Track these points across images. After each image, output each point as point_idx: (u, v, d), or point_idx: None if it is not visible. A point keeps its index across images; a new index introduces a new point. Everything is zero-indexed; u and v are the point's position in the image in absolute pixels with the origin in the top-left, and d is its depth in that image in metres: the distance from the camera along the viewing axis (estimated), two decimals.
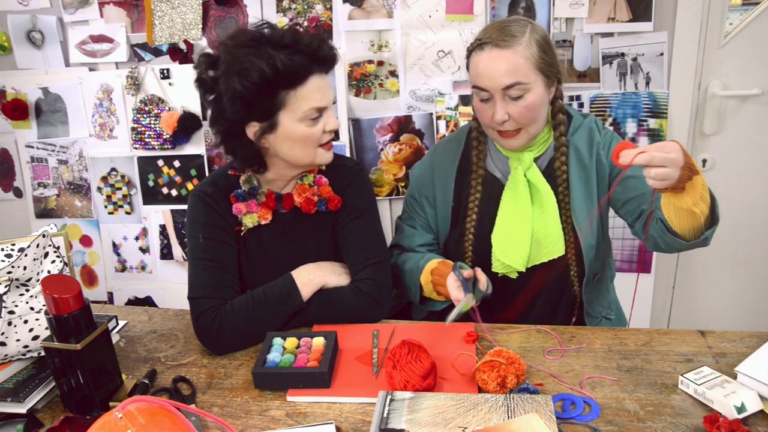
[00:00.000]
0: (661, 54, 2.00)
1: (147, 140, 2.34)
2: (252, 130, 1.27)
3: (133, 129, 2.35)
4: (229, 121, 1.25)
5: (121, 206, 2.46)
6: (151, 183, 2.40)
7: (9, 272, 1.09)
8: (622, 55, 2.03)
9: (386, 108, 2.19)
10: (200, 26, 2.20)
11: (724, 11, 1.97)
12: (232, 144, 1.30)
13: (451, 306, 1.25)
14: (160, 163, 2.36)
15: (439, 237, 1.50)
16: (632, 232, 1.35)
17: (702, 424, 0.95)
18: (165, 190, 2.39)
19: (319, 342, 1.19)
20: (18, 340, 1.11)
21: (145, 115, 2.32)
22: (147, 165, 2.38)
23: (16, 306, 1.11)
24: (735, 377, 1.02)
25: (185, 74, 2.24)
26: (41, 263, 1.17)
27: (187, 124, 2.26)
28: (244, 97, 1.21)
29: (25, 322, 1.11)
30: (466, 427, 0.93)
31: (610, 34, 2.02)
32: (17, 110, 2.39)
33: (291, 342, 1.20)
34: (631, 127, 2.09)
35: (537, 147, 1.39)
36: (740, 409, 0.95)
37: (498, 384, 1.03)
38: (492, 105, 1.28)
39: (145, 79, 2.29)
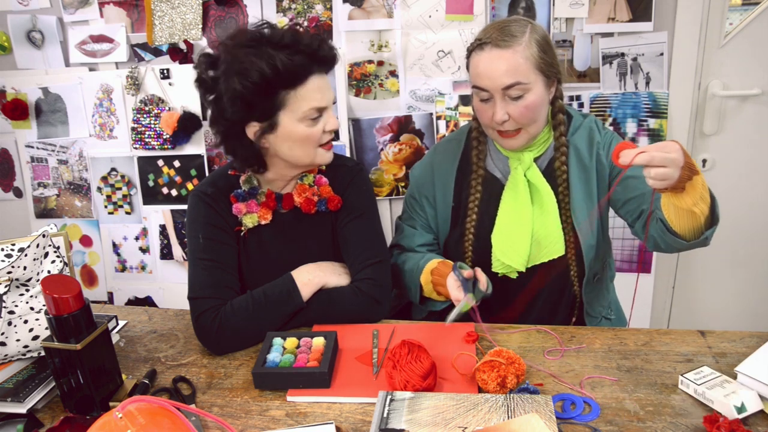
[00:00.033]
0: (661, 54, 2.00)
1: (147, 140, 2.34)
2: (252, 130, 1.27)
3: (133, 129, 2.35)
4: (229, 121, 1.25)
5: (121, 206, 2.46)
6: (151, 183, 2.40)
7: (9, 272, 1.09)
8: (622, 55, 2.03)
9: (386, 108, 2.19)
10: (200, 26, 2.20)
11: (724, 11, 1.97)
12: (232, 144, 1.30)
13: (451, 306, 1.25)
14: (160, 163, 2.36)
15: (439, 237, 1.50)
16: (632, 232, 1.35)
17: (702, 424, 0.95)
18: (165, 190, 2.39)
19: (319, 342, 1.19)
20: (18, 340, 1.11)
21: (145, 115, 2.32)
22: (147, 165, 2.38)
23: (16, 306, 1.11)
24: (735, 377, 1.02)
25: (185, 74, 2.24)
26: (41, 263, 1.17)
27: (187, 124, 2.26)
28: (244, 97, 1.21)
29: (25, 322, 1.11)
30: (466, 427, 0.93)
31: (610, 34, 2.02)
32: (17, 110, 2.39)
33: (291, 342, 1.20)
34: (631, 127, 2.09)
35: (537, 147, 1.39)
36: (740, 409, 0.95)
37: (498, 384, 1.03)
38: (492, 105, 1.28)
39: (145, 79, 2.29)
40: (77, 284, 1.03)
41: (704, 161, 2.15)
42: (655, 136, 2.07)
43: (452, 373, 1.11)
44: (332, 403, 1.07)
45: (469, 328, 1.26)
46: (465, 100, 2.13)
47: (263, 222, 1.37)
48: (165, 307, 1.71)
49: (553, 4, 2.01)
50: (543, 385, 1.08)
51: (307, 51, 1.22)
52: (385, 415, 0.98)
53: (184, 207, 2.32)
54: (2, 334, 1.09)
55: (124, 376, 1.15)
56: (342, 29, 2.12)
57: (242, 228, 1.37)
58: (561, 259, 1.39)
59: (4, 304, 1.10)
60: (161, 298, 2.53)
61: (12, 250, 1.20)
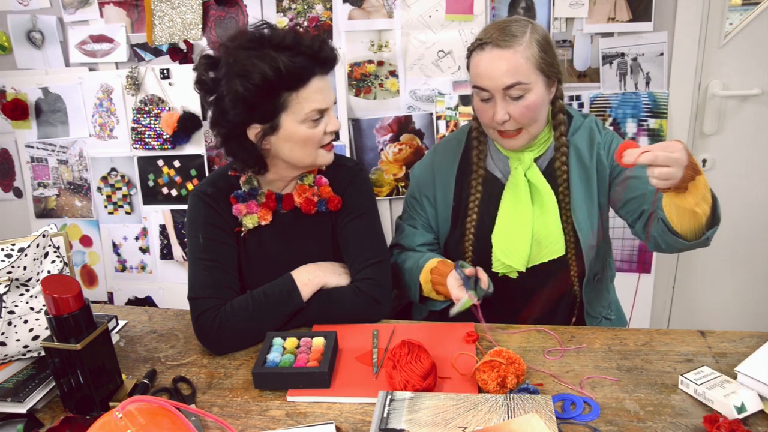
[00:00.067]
0: (661, 54, 2.00)
1: (147, 140, 2.34)
2: (253, 131, 1.27)
3: (133, 129, 2.35)
4: (231, 123, 1.25)
5: (121, 206, 2.46)
6: (151, 183, 2.40)
7: (9, 272, 1.09)
8: (622, 55, 2.03)
9: (386, 108, 2.19)
10: (200, 26, 2.20)
11: (724, 11, 1.97)
12: (232, 146, 1.30)
13: (452, 305, 1.25)
14: (160, 163, 2.36)
15: (439, 236, 1.50)
16: (632, 232, 1.35)
17: (702, 424, 0.95)
18: (165, 190, 2.39)
19: (319, 342, 1.19)
20: (18, 340, 1.11)
21: (145, 115, 2.32)
22: (147, 165, 2.38)
23: (16, 306, 1.11)
24: (735, 377, 1.02)
25: (185, 74, 2.24)
26: (41, 263, 1.17)
27: (187, 124, 2.26)
28: (246, 100, 1.20)
29: (25, 322, 1.11)
30: (466, 427, 0.93)
31: (610, 34, 2.02)
32: (17, 110, 2.39)
33: (291, 342, 1.20)
34: (631, 127, 2.09)
35: (537, 147, 1.39)
36: (740, 409, 0.95)
37: (498, 384, 1.03)
38: (492, 105, 1.28)
39: (145, 79, 2.29)
40: (77, 284, 1.03)
41: (704, 161, 2.15)
42: (655, 136, 2.07)
43: (452, 373, 1.11)
44: (332, 403, 1.07)
45: (469, 328, 1.26)
46: (465, 100, 2.13)
47: (263, 223, 1.37)
48: (165, 307, 1.71)
49: (553, 4, 2.01)
50: (543, 385, 1.08)
51: (308, 52, 1.22)
52: (385, 415, 0.98)
53: (184, 207, 2.32)
54: (2, 334, 1.09)
55: (124, 376, 1.15)
56: (342, 29, 2.12)
57: (242, 229, 1.37)
58: (561, 259, 1.39)
59: (4, 304, 1.10)
60: (161, 298, 2.53)
61: (12, 250, 1.20)
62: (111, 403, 1.07)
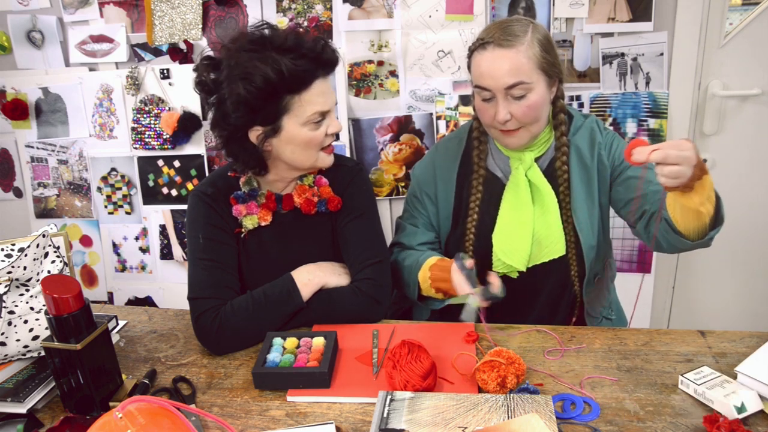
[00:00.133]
0: (661, 54, 2.00)
1: (147, 140, 2.34)
2: (255, 134, 1.26)
3: (133, 129, 2.35)
4: (232, 125, 1.25)
5: (121, 206, 2.46)
6: (151, 183, 2.40)
7: (9, 272, 1.09)
8: (622, 55, 2.03)
9: (386, 108, 2.19)
10: (200, 26, 2.20)
11: (724, 11, 1.97)
12: (234, 147, 1.30)
13: (452, 305, 1.25)
14: (160, 163, 2.36)
15: (440, 235, 1.49)
16: (633, 232, 1.35)
17: (702, 424, 0.95)
18: (165, 190, 2.39)
19: (319, 342, 1.19)
20: (18, 340, 1.11)
21: (145, 115, 2.32)
22: (147, 165, 2.38)
23: (16, 306, 1.11)
24: (735, 377, 1.02)
25: (185, 74, 2.24)
26: (41, 263, 1.17)
27: (187, 124, 2.26)
28: (248, 102, 1.20)
29: (25, 322, 1.11)
30: (466, 427, 0.93)
31: (610, 34, 2.02)
32: (17, 110, 2.39)
33: (291, 342, 1.20)
34: (631, 127, 2.09)
35: (538, 147, 1.38)
36: (740, 409, 0.95)
37: (498, 384, 1.03)
38: (494, 105, 1.28)
39: (145, 79, 2.29)
40: (77, 284, 1.03)
41: (704, 161, 2.15)
42: (655, 136, 2.07)
43: (452, 373, 1.11)
44: (332, 403, 1.07)
45: (469, 328, 1.26)
46: (465, 100, 2.13)
47: (263, 223, 1.37)
48: (165, 307, 1.71)
49: (553, 4, 2.01)
50: (543, 385, 1.08)
51: (310, 55, 1.22)
52: (385, 415, 0.98)
53: (184, 207, 2.32)
54: (2, 334, 1.09)
55: (124, 376, 1.15)
56: (342, 29, 2.12)
57: (242, 230, 1.37)
58: (562, 259, 1.39)
59: (4, 304, 1.10)
60: (161, 298, 2.53)
61: (12, 250, 1.20)
62: (111, 403, 1.07)
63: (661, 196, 1.19)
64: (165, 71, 2.26)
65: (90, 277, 2.58)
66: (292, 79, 1.20)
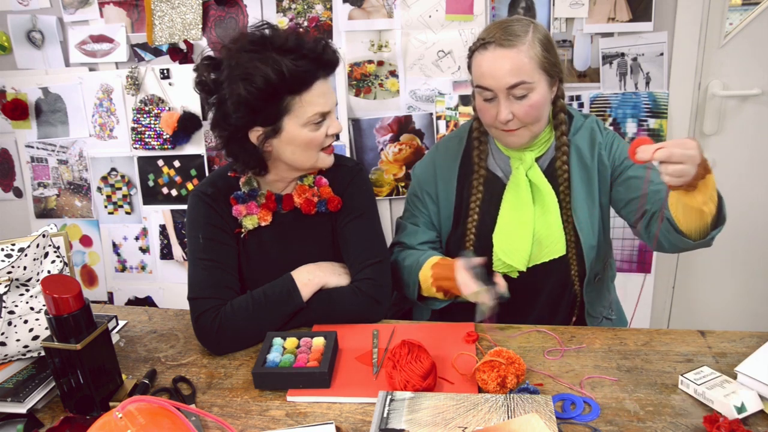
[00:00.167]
0: (661, 54, 2.00)
1: (147, 140, 2.34)
2: (255, 134, 1.27)
3: (133, 129, 2.35)
4: (233, 125, 1.25)
5: (121, 206, 2.46)
6: (151, 183, 2.40)
7: (9, 272, 1.09)
8: (622, 55, 2.03)
9: (386, 108, 2.19)
10: (200, 26, 2.20)
11: (724, 11, 1.97)
12: (234, 148, 1.30)
13: (453, 304, 1.24)
14: (160, 163, 2.36)
15: (441, 234, 1.49)
16: (634, 232, 1.35)
17: (702, 424, 0.95)
18: (165, 190, 2.39)
19: (319, 342, 1.19)
20: (18, 340, 1.11)
21: (145, 115, 2.32)
22: (147, 165, 2.38)
23: (16, 306, 1.11)
24: (735, 377, 1.02)
25: (185, 74, 2.24)
26: (41, 263, 1.17)
27: (187, 124, 2.26)
28: (249, 103, 1.20)
29: (25, 322, 1.11)
30: (466, 427, 0.93)
31: (610, 34, 2.02)
32: (17, 110, 2.39)
33: (291, 342, 1.20)
34: (631, 127, 2.09)
35: (538, 147, 1.38)
36: (740, 409, 0.95)
37: (498, 384, 1.03)
38: (496, 104, 1.28)
39: (145, 79, 2.29)
40: (77, 284, 1.03)
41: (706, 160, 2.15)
42: (655, 136, 2.07)
43: (452, 373, 1.11)
44: (332, 403, 1.07)
45: (469, 328, 1.26)
46: (465, 100, 2.13)
47: (263, 223, 1.37)
48: (165, 307, 1.71)
49: (553, 4, 2.01)
50: (543, 385, 1.08)
51: (311, 56, 1.22)
52: (385, 415, 0.98)
53: (184, 207, 2.32)
54: (2, 334, 1.09)
55: (124, 376, 1.15)
56: (342, 29, 2.12)
57: (242, 230, 1.37)
58: (562, 259, 1.39)
59: (4, 304, 1.10)
60: (161, 298, 2.53)
61: (12, 250, 1.20)
62: (111, 403, 1.07)
63: (663, 195, 1.19)
64: (165, 71, 2.26)
65: (90, 277, 2.58)
66: (292, 80, 1.20)
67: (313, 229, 1.40)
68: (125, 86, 2.31)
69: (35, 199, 2.54)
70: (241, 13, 2.18)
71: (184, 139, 2.30)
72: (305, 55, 1.21)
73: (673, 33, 1.98)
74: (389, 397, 1.02)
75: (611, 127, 2.08)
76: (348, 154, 2.21)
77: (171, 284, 2.50)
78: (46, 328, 1.11)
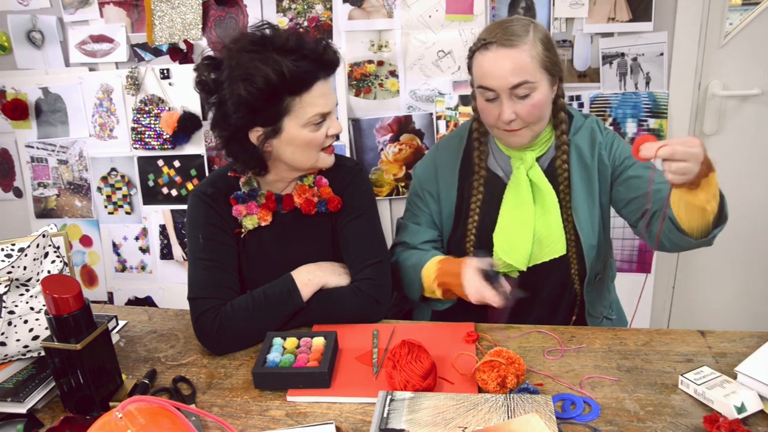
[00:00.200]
0: (661, 54, 2.00)
1: (147, 140, 2.34)
2: (255, 135, 1.27)
3: (133, 129, 2.35)
4: (233, 126, 1.25)
5: (121, 206, 2.46)
6: (151, 183, 2.40)
7: (9, 272, 1.09)
8: (622, 55, 2.03)
9: (386, 108, 2.19)
10: (200, 26, 2.20)
11: (724, 11, 1.97)
12: (234, 148, 1.30)
13: (454, 304, 1.23)
14: (160, 163, 2.36)
15: (443, 233, 1.49)
16: (634, 232, 1.35)
17: (702, 424, 0.95)
18: (165, 190, 2.39)
19: (319, 342, 1.19)
20: (18, 340, 1.11)
21: (145, 115, 2.32)
22: (147, 165, 2.38)
23: (16, 306, 1.11)
24: (735, 377, 1.02)
25: (185, 74, 2.24)
26: (41, 263, 1.17)
27: (187, 124, 2.26)
28: (249, 103, 1.20)
29: (25, 322, 1.11)
30: (466, 427, 0.93)
31: (610, 34, 2.02)
32: (17, 110, 2.39)
33: (291, 342, 1.20)
34: (631, 127, 2.09)
35: (539, 146, 1.38)
36: (740, 409, 0.95)
37: (498, 384, 1.03)
38: (498, 105, 1.28)
39: (145, 79, 2.29)
40: (77, 284, 1.03)
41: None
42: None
43: (452, 373, 1.11)
44: (332, 403, 1.07)
45: (469, 328, 1.26)
46: (465, 100, 2.13)
47: (263, 223, 1.37)
48: (165, 307, 1.71)
49: (553, 4, 2.01)
50: (543, 385, 1.08)
51: (312, 56, 1.22)
52: (385, 415, 0.98)
53: (184, 207, 2.32)
54: (2, 334, 1.09)
55: (124, 376, 1.15)
56: (342, 29, 2.12)
57: (242, 230, 1.37)
58: (562, 259, 1.39)
59: (4, 304, 1.10)
60: (161, 298, 2.53)
61: (12, 250, 1.20)
62: (111, 403, 1.07)
63: (664, 194, 1.18)
64: (165, 71, 2.26)
65: (90, 277, 2.58)
66: (293, 80, 1.20)
67: (313, 229, 1.40)
68: (125, 86, 2.31)
69: (35, 199, 2.54)
70: (241, 13, 2.18)
71: (184, 139, 2.30)
72: (306, 56, 1.21)
73: (673, 33, 1.98)
74: (389, 397, 1.02)
75: (611, 127, 2.07)
76: (348, 154, 2.21)
77: (171, 284, 2.50)
78: (46, 328, 1.11)
